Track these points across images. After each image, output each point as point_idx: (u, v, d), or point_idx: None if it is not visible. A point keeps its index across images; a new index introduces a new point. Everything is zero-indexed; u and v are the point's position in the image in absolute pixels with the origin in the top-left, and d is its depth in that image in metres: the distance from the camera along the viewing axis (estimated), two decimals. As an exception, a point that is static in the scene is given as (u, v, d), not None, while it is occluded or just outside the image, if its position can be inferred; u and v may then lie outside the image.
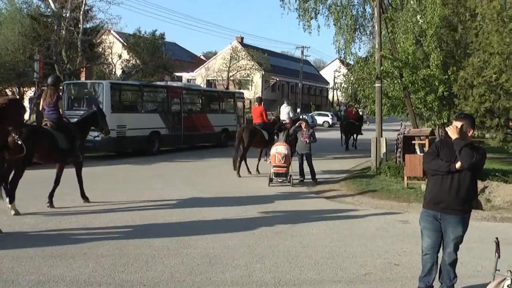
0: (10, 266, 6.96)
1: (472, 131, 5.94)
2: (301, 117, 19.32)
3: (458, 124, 5.82)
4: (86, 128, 12.53)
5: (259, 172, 17.07)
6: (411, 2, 20.14)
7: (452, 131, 5.77)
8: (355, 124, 28.83)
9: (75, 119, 12.96)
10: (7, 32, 37.79)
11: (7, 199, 9.99)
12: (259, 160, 17.66)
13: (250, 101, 62.42)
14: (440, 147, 6.03)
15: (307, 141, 15.67)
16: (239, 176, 16.45)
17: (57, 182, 11.33)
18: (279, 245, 8.41)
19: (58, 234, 8.75)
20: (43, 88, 34.60)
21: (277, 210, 11.47)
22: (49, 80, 12.14)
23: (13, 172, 10.24)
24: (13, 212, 10.11)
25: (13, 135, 9.63)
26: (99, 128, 12.85)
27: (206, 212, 10.96)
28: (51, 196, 11.13)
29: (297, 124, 16.22)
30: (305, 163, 15.78)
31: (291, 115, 20.82)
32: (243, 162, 16.84)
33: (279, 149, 15.10)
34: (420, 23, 19.22)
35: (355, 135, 29.21)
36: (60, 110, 11.69)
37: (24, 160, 10.04)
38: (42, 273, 6.73)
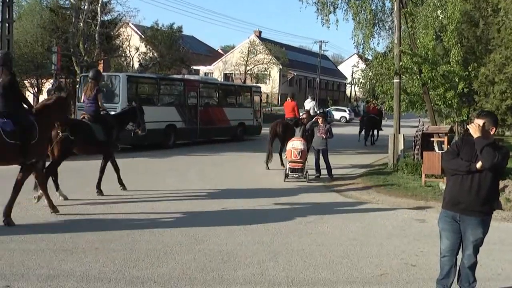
0: (21, 259, 6.89)
1: (494, 129, 5.72)
2: (319, 111, 19.04)
3: (480, 122, 5.59)
4: (123, 121, 12.95)
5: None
6: (432, -4, 19.84)
7: (474, 129, 5.54)
8: (376, 118, 28.54)
9: (114, 112, 13.49)
10: (26, 24, 38.09)
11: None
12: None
13: (267, 96, 62.44)
14: (460, 146, 5.79)
15: (324, 137, 15.45)
16: (268, 168, 16.67)
17: (102, 171, 11.92)
18: (293, 243, 8.27)
19: (69, 228, 8.67)
20: (61, 80, 34.90)
21: (292, 207, 11.32)
22: (90, 74, 12.41)
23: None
24: (61, 197, 10.85)
25: (57, 129, 10.15)
26: (136, 124, 13.14)
27: (220, 207, 10.84)
28: (98, 185, 11.72)
29: (314, 119, 16.01)
30: (321, 159, 15.57)
31: (316, 110, 20.77)
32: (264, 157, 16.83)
33: (295, 144, 14.91)
34: (440, 18, 18.92)
35: (375, 131, 28.87)
36: (100, 103, 12.05)
37: (63, 152, 10.78)
38: (52, 267, 6.66)
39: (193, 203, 11.19)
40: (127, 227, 8.85)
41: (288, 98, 19.73)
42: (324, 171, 15.53)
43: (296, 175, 14.88)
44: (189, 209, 10.52)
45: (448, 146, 10.95)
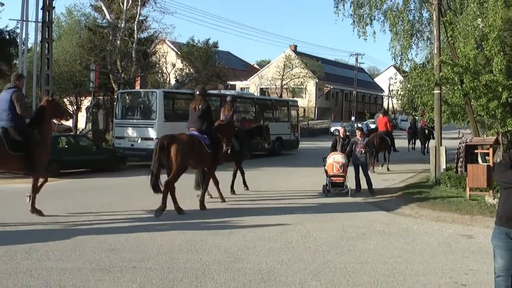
0: (58, 279, 6.79)
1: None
2: (355, 125, 19.19)
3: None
4: (252, 136, 16.00)
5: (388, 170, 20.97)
6: (472, 5, 19.40)
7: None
8: (428, 129, 28.81)
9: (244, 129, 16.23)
10: (66, 43, 38.91)
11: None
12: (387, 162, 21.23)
13: (304, 109, 62.16)
14: None
15: (362, 151, 15.12)
16: (373, 172, 17.89)
17: (235, 175, 14.88)
18: (335, 261, 7.98)
19: (106, 246, 8.56)
20: (99, 97, 35.35)
21: (332, 223, 11.02)
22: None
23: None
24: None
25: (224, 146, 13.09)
26: (262, 139, 16.35)
27: (258, 223, 10.61)
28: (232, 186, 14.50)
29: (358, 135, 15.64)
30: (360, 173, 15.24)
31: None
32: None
33: (336, 158, 14.61)
34: (481, 26, 18.44)
35: (426, 142, 29.30)
36: (235, 120, 15.11)
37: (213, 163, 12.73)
38: (88, 287, 6.52)
39: (231, 220, 11.00)
40: (164, 245, 8.69)
41: (380, 114, 22.78)
42: (364, 186, 15.18)
43: (337, 190, 14.51)
44: (226, 226, 10.33)
45: (496, 159, 10.54)
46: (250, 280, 6.93)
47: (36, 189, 10.77)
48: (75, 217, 10.76)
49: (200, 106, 12.32)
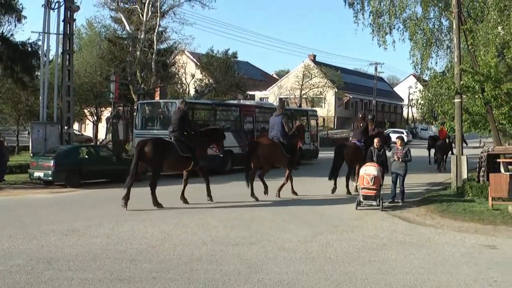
0: (79, 290, 6.80)
1: None
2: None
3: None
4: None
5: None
6: (492, 13, 19.22)
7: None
8: (447, 143, 26.90)
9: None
10: (86, 54, 39.30)
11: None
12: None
13: (323, 119, 61.95)
14: None
15: (401, 160, 14.83)
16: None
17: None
18: (356, 272, 7.90)
19: (126, 256, 8.57)
20: (119, 108, 35.57)
21: (353, 233, 10.92)
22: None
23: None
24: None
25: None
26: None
27: (279, 234, 10.56)
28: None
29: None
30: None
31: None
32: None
33: (368, 170, 14.08)
34: (501, 34, 18.27)
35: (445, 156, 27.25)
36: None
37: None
38: (109, 299, 6.53)
39: (251, 230, 10.97)
40: (185, 256, 8.68)
41: (441, 126, 24.87)
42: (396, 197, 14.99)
43: (369, 203, 13.99)
44: (246, 237, 10.29)
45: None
46: (270, 291, 6.88)
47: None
48: (96, 227, 10.80)
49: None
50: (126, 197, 13.01)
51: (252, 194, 15.20)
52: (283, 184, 16.09)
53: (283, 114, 16.50)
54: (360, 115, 18.50)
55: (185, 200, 14.32)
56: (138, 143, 14.39)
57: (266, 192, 15.42)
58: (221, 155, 17.11)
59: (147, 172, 14.59)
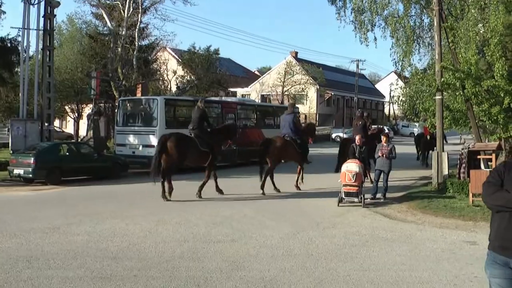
0: (59, 287, 6.73)
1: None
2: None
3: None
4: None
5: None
6: (472, 10, 19.36)
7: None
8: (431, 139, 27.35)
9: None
10: (67, 51, 39.02)
11: None
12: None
13: (305, 116, 62.06)
14: (503, 172, 4.37)
15: (386, 157, 14.82)
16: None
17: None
18: (338, 268, 7.90)
19: (107, 254, 8.50)
20: (100, 104, 35.33)
21: (335, 230, 10.94)
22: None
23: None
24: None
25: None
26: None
27: (261, 231, 10.55)
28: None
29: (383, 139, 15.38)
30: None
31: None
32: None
33: (349, 166, 14.05)
34: (482, 32, 18.41)
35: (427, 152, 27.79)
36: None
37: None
38: (90, 297, 6.47)
39: (233, 227, 10.94)
40: (166, 253, 8.63)
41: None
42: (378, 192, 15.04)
43: (351, 200, 14.04)
44: (229, 234, 10.27)
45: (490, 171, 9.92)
46: (252, 288, 6.87)
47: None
48: (76, 225, 10.71)
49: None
50: (169, 190, 14.24)
51: (275, 188, 16.37)
52: (298, 177, 17.25)
53: (293, 113, 17.40)
54: (358, 114, 19.88)
55: (220, 191, 15.56)
56: (161, 137, 15.04)
57: (262, 187, 15.91)
58: (234, 148, 19.36)
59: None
